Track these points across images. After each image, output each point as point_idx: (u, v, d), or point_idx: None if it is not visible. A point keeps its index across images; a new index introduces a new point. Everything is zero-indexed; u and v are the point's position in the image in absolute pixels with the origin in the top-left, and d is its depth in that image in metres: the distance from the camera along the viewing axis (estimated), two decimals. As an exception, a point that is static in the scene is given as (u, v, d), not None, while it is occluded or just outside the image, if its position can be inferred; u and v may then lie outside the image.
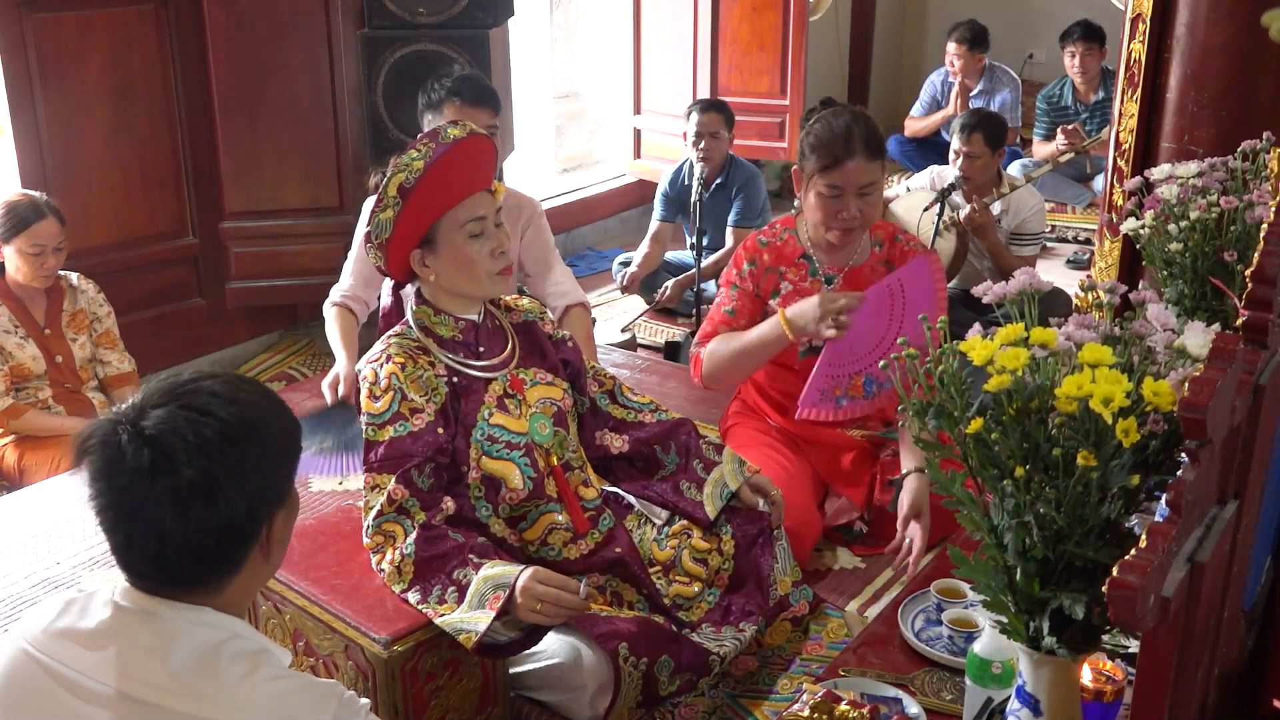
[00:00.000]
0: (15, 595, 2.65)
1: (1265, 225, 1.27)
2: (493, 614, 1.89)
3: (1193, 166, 2.01)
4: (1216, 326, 1.28)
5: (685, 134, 4.49)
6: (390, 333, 2.19)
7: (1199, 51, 2.62)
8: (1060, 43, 5.75)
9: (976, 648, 1.62)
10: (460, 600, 1.94)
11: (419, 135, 2.15)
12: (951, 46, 5.87)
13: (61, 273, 3.45)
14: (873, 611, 2.44)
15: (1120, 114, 2.78)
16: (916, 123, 6.14)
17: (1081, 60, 5.63)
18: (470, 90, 2.97)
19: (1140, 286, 1.56)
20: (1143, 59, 2.70)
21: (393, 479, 2.03)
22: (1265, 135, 2.05)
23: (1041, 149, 5.74)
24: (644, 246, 4.70)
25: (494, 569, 1.96)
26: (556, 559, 2.19)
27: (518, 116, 5.04)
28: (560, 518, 2.20)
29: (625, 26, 5.85)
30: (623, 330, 4.40)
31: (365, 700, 1.36)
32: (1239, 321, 1.22)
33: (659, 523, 2.38)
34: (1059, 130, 5.51)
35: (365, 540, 2.07)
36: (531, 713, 2.11)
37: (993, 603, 1.32)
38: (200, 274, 4.28)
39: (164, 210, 4.12)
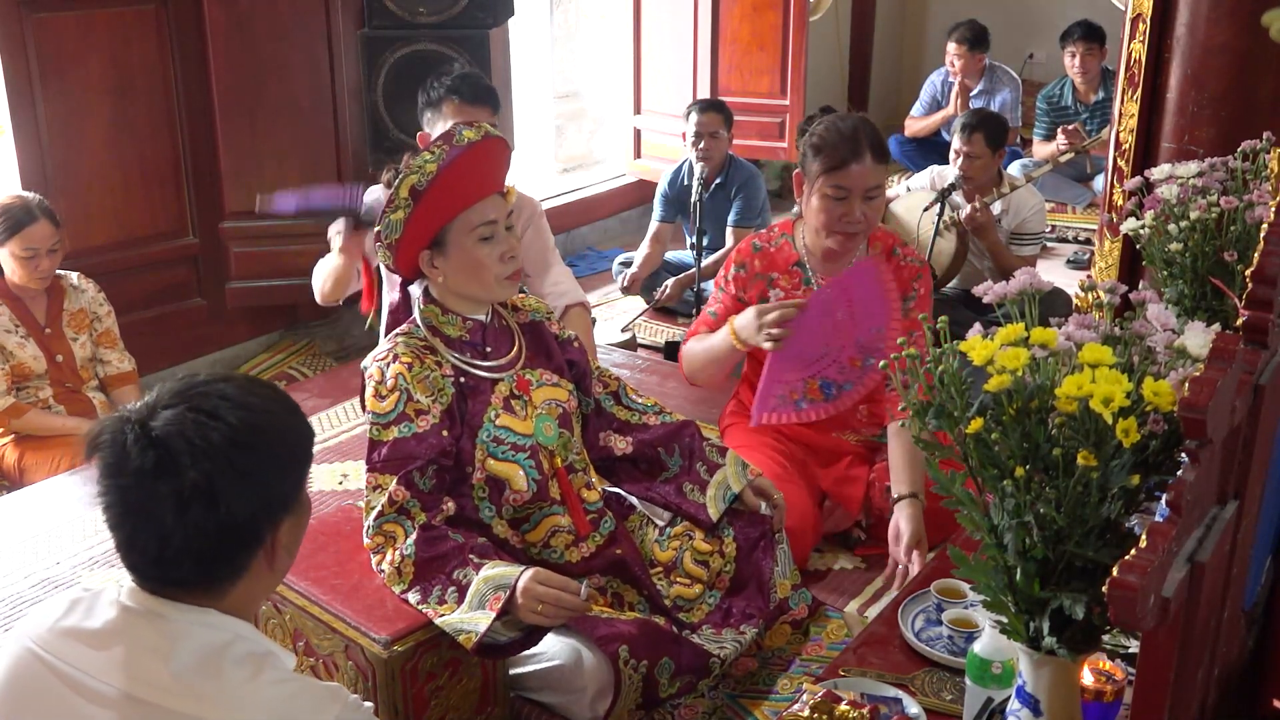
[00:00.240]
0: (15, 595, 2.65)
1: (1265, 225, 1.27)
2: (493, 615, 1.89)
3: (1193, 166, 2.01)
4: (1216, 326, 1.28)
5: (684, 134, 4.49)
6: (397, 331, 2.19)
7: (1199, 51, 2.62)
8: (1060, 42, 5.75)
9: (976, 648, 1.62)
10: (460, 600, 1.94)
11: (435, 137, 2.14)
12: (952, 46, 5.87)
13: (61, 272, 3.45)
14: (872, 612, 2.44)
15: (1120, 114, 2.78)
16: (917, 123, 6.14)
17: (1082, 60, 5.63)
18: (469, 88, 2.97)
19: (1140, 286, 1.56)
20: (1143, 59, 2.69)
21: (394, 480, 2.03)
22: (1265, 135, 2.05)
23: (1041, 149, 5.74)
24: (644, 247, 4.70)
25: (494, 569, 1.96)
26: (559, 561, 2.18)
27: (518, 116, 5.04)
28: (563, 520, 2.19)
29: (625, 26, 5.85)
30: (622, 330, 4.40)
31: (368, 704, 1.36)
32: (1239, 321, 1.22)
33: (661, 524, 2.38)
34: (1059, 130, 5.51)
35: (366, 540, 2.07)
36: (531, 713, 2.11)
37: (993, 603, 1.32)
38: (200, 274, 4.28)
39: (164, 210, 4.12)
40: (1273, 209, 1.29)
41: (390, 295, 2.32)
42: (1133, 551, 1.00)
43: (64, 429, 3.32)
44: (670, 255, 4.79)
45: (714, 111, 4.46)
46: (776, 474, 2.57)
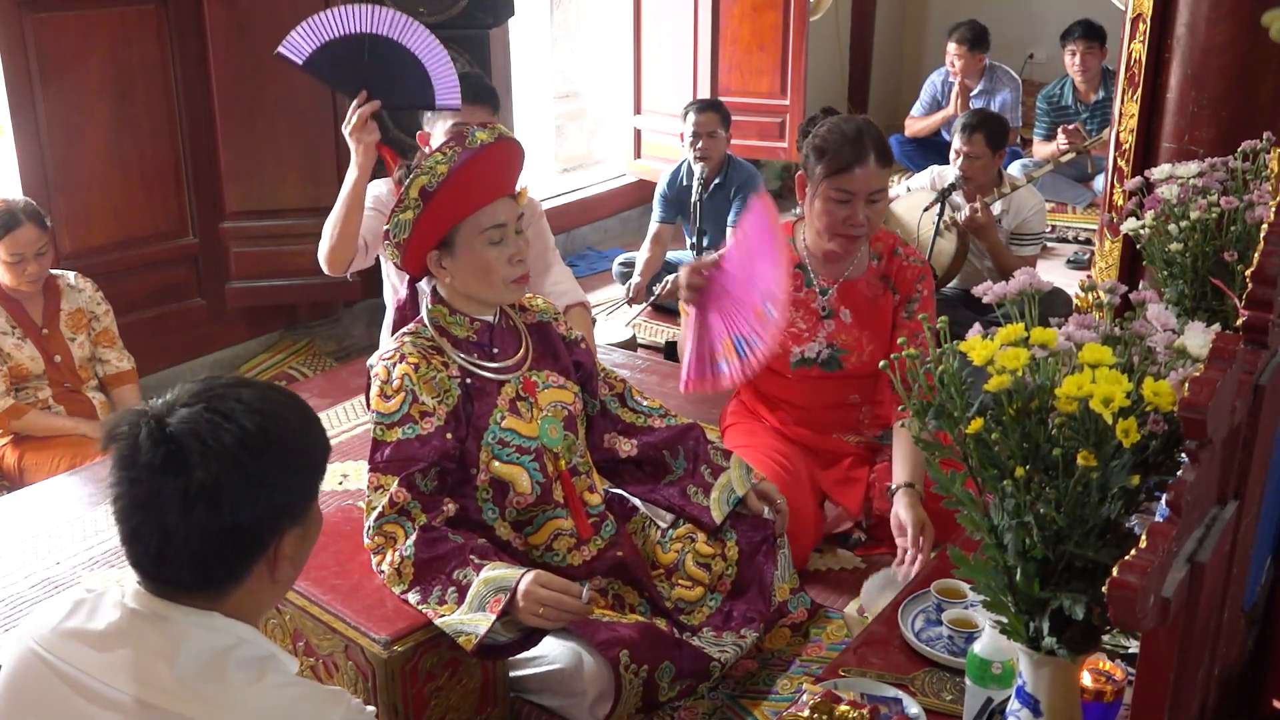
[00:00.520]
0: (15, 595, 2.65)
1: (1265, 225, 1.27)
2: (493, 617, 1.89)
3: (1193, 167, 2.01)
4: (1216, 326, 1.28)
5: (682, 134, 4.49)
6: (404, 331, 2.18)
7: (1199, 51, 2.62)
8: (1061, 41, 5.75)
9: (976, 648, 1.62)
10: (460, 601, 1.94)
11: (435, 138, 2.12)
12: (952, 46, 5.87)
13: (58, 272, 3.45)
14: (872, 612, 2.44)
15: (1120, 114, 2.78)
16: (917, 123, 6.14)
17: (1082, 59, 5.63)
18: (469, 88, 2.97)
19: (1140, 286, 1.56)
20: (1143, 59, 2.70)
21: (396, 481, 2.02)
22: (1265, 135, 2.05)
23: (1042, 149, 5.74)
24: (644, 251, 4.70)
25: (495, 571, 1.96)
26: (560, 564, 2.18)
27: (518, 116, 5.04)
28: (565, 524, 2.19)
29: (625, 26, 5.85)
30: (626, 325, 4.40)
31: (371, 708, 1.36)
32: (1239, 321, 1.22)
33: (664, 526, 2.38)
34: (1059, 130, 5.51)
35: (366, 541, 2.07)
36: (531, 714, 2.11)
37: (993, 603, 1.32)
38: (200, 274, 4.28)
39: (164, 210, 4.13)
40: (1273, 209, 1.29)
41: (397, 293, 2.30)
42: (1132, 552, 1.00)
43: (63, 430, 3.32)
44: (671, 255, 4.79)
45: (711, 111, 4.46)
46: (777, 475, 2.56)
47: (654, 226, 4.72)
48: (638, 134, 5.87)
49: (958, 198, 4.12)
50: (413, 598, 1.98)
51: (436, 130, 2.95)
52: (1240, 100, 2.60)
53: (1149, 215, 1.98)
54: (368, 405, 2.14)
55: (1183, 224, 1.93)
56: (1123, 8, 2.77)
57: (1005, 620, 1.32)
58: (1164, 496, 1.05)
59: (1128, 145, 2.78)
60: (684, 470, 2.37)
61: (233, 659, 1.26)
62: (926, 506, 2.46)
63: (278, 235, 4.22)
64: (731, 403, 2.93)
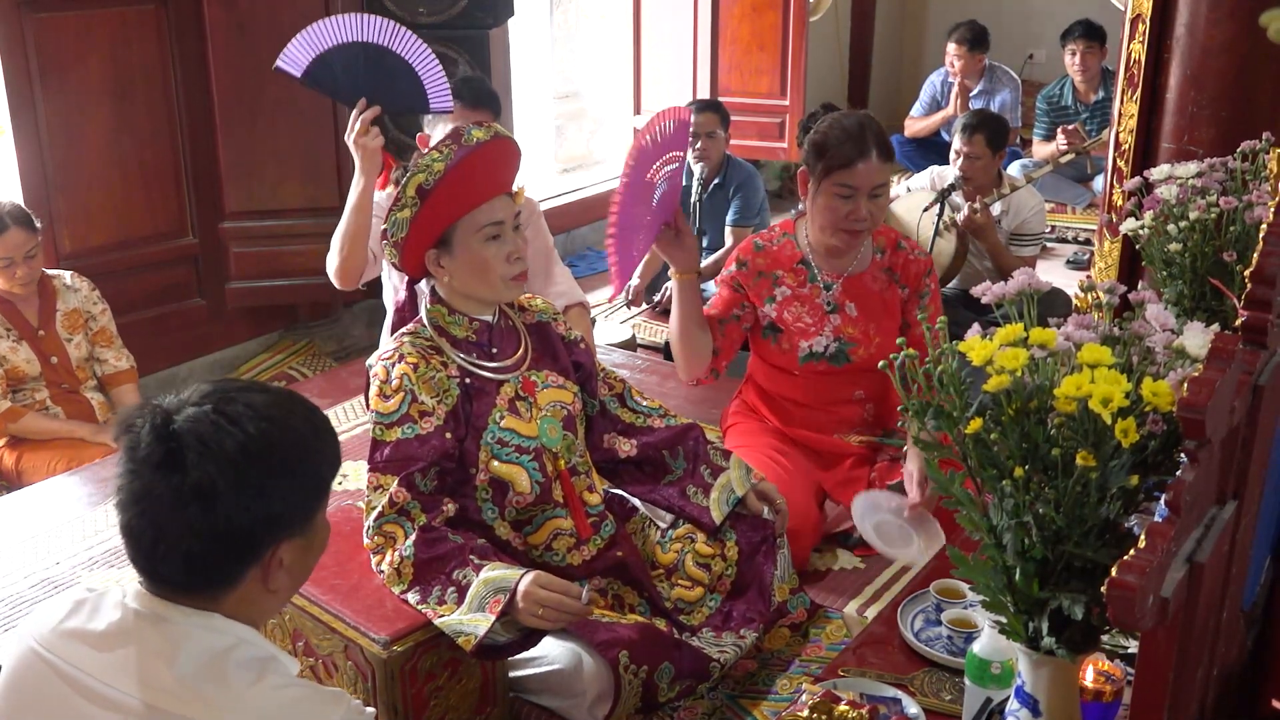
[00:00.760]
0: (15, 595, 2.65)
1: (1264, 225, 1.27)
2: (493, 618, 1.89)
3: (1192, 167, 2.01)
4: (1215, 327, 1.28)
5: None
6: (403, 331, 2.18)
7: (1199, 52, 2.62)
8: (1061, 41, 5.75)
9: (976, 648, 1.62)
10: (460, 602, 1.94)
11: (435, 139, 2.13)
12: (951, 47, 5.88)
13: (54, 272, 3.44)
14: (872, 612, 2.44)
15: (1120, 114, 2.78)
16: (916, 123, 6.14)
17: (1082, 59, 5.63)
18: (470, 92, 2.97)
19: (1140, 287, 1.56)
20: (1142, 59, 2.70)
21: (396, 481, 2.02)
22: (1265, 135, 2.05)
23: (1041, 149, 5.74)
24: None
25: (495, 571, 1.96)
26: (560, 564, 2.18)
27: (518, 116, 5.04)
28: (565, 523, 2.19)
29: (625, 26, 5.86)
30: (622, 324, 4.40)
31: (370, 709, 1.36)
32: (1238, 322, 1.22)
33: (663, 526, 2.38)
34: (1059, 130, 5.52)
35: (365, 541, 2.07)
36: (530, 714, 2.11)
37: (992, 603, 1.32)
38: (200, 274, 4.28)
39: (164, 210, 4.13)
40: (1271, 209, 1.29)
41: (396, 294, 2.30)
42: (1131, 552, 1.00)
43: (60, 432, 3.32)
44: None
45: (710, 111, 4.46)
46: (777, 475, 2.56)
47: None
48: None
49: (957, 198, 4.12)
50: (412, 598, 1.98)
51: (436, 132, 2.95)
52: (1240, 101, 2.61)
53: (1148, 215, 1.98)
54: (367, 405, 2.14)
55: (1182, 224, 1.93)
56: (1122, 8, 2.77)
57: (1004, 620, 1.32)
58: (1163, 496, 1.05)
59: (1127, 146, 2.78)
60: (683, 470, 2.37)
61: (233, 660, 1.26)
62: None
63: (277, 235, 4.22)
64: (733, 403, 2.93)
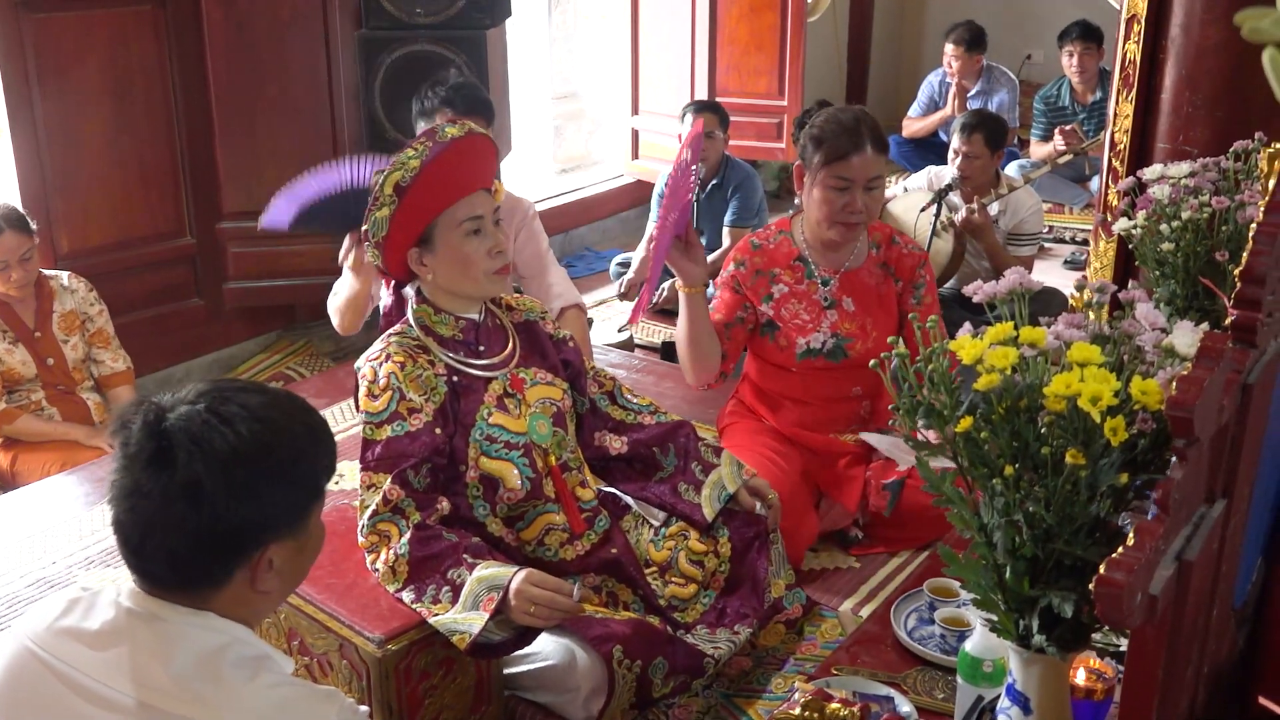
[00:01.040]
0: (11, 595, 2.65)
1: (1254, 225, 1.27)
2: (486, 615, 1.89)
3: (1184, 167, 2.01)
4: (1205, 326, 1.28)
5: (680, 135, 4.50)
6: (390, 331, 2.19)
7: (1194, 52, 2.62)
8: (1058, 42, 5.76)
9: (968, 646, 1.62)
10: (454, 600, 1.94)
11: (418, 134, 2.14)
12: (949, 47, 5.88)
13: (51, 273, 3.44)
14: (867, 611, 2.45)
15: (1115, 115, 2.78)
16: (914, 123, 6.14)
17: (1079, 59, 5.64)
18: (463, 100, 2.98)
19: (1130, 286, 1.56)
20: (1138, 60, 2.70)
21: (389, 479, 2.03)
22: (1257, 135, 2.05)
23: (1039, 150, 5.75)
24: (641, 250, 4.70)
25: (488, 570, 1.96)
26: (553, 560, 2.19)
27: (516, 117, 5.04)
28: (557, 518, 2.20)
29: (624, 27, 5.86)
30: (619, 330, 4.41)
31: (364, 707, 1.36)
32: (1227, 321, 1.22)
33: (656, 524, 2.39)
34: (1057, 131, 5.52)
35: (360, 539, 2.07)
36: (526, 712, 2.12)
37: (982, 601, 1.32)
38: (198, 274, 4.29)
39: (162, 210, 4.13)
40: (1262, 208, 1.30)
41: (385, 299, 2.31)
42: (1119, 549, 1.00)
43: (55, 434, 3.32)
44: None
45: (709, 112, 4.46)
46: (772, 473, 2.57)
47: (651, 227, 4.72)
48: (635, 135, 5.87)
49: (955, 198, 4.13)
50: (407, 596, 1.98)
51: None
52: (1235, 101, 2.61)
53: (1141, 215, 1.99)
54: (357, 407, 2.14)
55: (1174, 224, 1.93)
56: (1119, 8, 2.78)
57: (995, 618, 1.32)
58: (1153, 495, 1.06)
59: (1123, 146, 2.78)
60: (675, 467, 2.38)
61: (227, 659, 1.26)
62: (916, 504, 2.47)
63: (276, 236, 4.20)
64: (729, 402, 2.94)
